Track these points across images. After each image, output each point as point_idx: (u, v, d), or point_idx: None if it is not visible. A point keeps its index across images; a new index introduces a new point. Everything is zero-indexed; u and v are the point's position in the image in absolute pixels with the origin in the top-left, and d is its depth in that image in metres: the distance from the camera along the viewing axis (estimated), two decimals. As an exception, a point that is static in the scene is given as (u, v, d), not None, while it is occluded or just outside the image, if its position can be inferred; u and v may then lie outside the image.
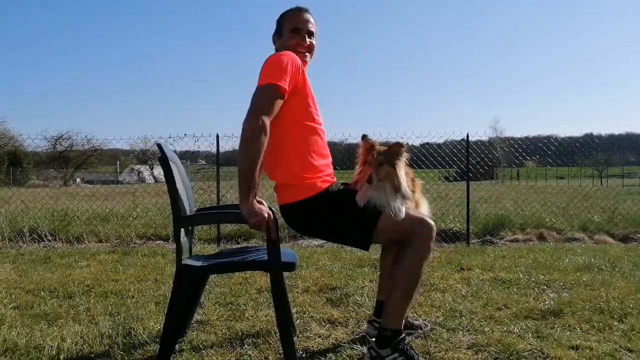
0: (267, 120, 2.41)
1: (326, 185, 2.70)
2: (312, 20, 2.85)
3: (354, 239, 2.72)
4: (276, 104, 2.48)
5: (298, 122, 2.66)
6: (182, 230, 2.77)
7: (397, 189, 2.62)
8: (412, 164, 2.86)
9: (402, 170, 2.67)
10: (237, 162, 2.43)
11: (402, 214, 2.59)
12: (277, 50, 2.83)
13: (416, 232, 2.62)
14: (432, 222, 2.67)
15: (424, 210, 2.91)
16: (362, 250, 2.80)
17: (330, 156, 2.85)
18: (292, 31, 2.79)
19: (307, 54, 2.82)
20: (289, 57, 2.59)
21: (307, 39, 2.81)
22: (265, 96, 2.47)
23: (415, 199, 2.80)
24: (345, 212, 2.65)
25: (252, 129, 2.37)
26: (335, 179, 2.81)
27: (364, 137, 2.76)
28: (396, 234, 2.65)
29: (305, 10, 2.85)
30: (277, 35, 2.87)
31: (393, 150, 2.67)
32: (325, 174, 2.74)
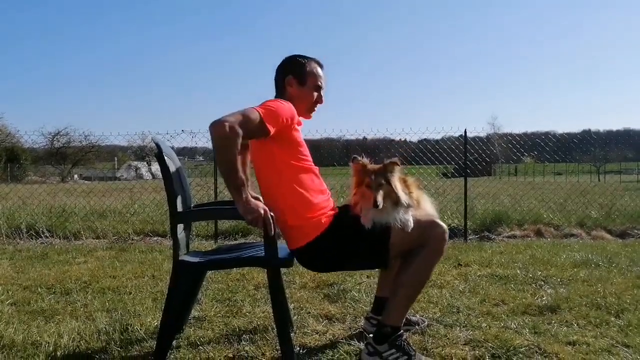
0: (235, 125, 2.34)
1: (330, 220, 2.71)
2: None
3: (371, 261, 2.78)
4: (251, 127, 2.42)
5: (290, 164, 2.67)
6: (180, 226, 2.77)
7: (396, 202, 2.65)
8: (410, 160, 2.87)
9: (397, 183, 2.69)
10: (218, 167, 2.45)
11: (411, 223, 2.63)
12: (287, 94, 2.82)
13: (429, 234, 2.67)
14: (444, 225, 2.70)
15: (427, 206, 2.91)
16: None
17: (328, 192, 2.86)
18: (315, 88, 2.84)
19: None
20: (292, 112, 2.63)
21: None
22: (248, 116, 2.42)
23: (415, 198, 2.80)
24: (355, 239, 2.68)
25: (218, 135, 2.34)
26: (336, 210, 2.82)
27: (354, 159, 2.74)
28: (410, 243, 2.68)
29: (323, 66, 2.92)
30: (298, 81, 2.82)
31: (388, 169, 2.68)
32: (328, 209, 2.75)
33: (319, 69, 2.87)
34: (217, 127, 2.33)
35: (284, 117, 2.54)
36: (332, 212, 2.75)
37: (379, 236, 2.64)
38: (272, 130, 2.49)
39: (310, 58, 2.87)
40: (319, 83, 2.85)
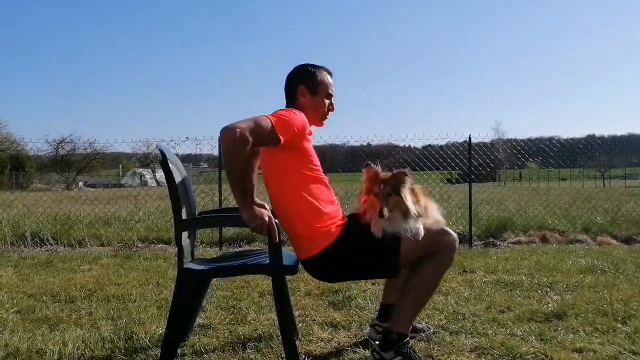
0: (246, 132, 2.34)
1: (340, 229, 2.70)
2: None
3: (382, 271, 2.78)
4: (262, 135, 2.43)
5: (301, 174, 2.67)
6: (184, 233, 2.76)
7: (406, 212, 2.64)
8: (415, 166, 2.88)
9: (407, 194, 2.67)
10: (226, 175, 2.45)
11: (421, 232, 2.63)
12: (299, 103, 2.83)
13: (439, 242, 2.67)
14: (453, 233, 2.71)
15: (435, 213, 2.88)
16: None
17: (338, 202, 2.86)
18: (327, 96, 2.87)
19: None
20: (304, 122, 2.64)
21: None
22: (259, 122, 2.43)
23: (423, 205, 2.77)
24: (366, 249, 2.67)
25: (228, 141, 2.34)
26: (345, 219, 2.82)
27: (367, 165, 2.73)
28: (420, 251, 2.67)
29: (332, 75, 2.94)
30: (310, 90, 2.83)
31: (398, 178, 2.66)
32: (338, 219, 2.75)
33: (329, 77, 2.89)
34: (227, 133, 2.34)
35: (296, 127, 2.55)
36: (341, 222, 2.75)
37: (389, 246, 2.62)
38: (283, 139, 2.49)
39: (319, 66, 2.88)
40: (330, 91, 2.88)
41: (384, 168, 2.73)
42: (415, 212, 2.65)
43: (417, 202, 2.73)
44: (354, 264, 2.71)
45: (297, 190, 2.66)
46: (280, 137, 2.48)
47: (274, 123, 2.45)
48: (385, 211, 2.57)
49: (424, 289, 2.69)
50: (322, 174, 2.78)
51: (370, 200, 2.68)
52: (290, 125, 2.53)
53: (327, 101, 2.87)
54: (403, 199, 2.63)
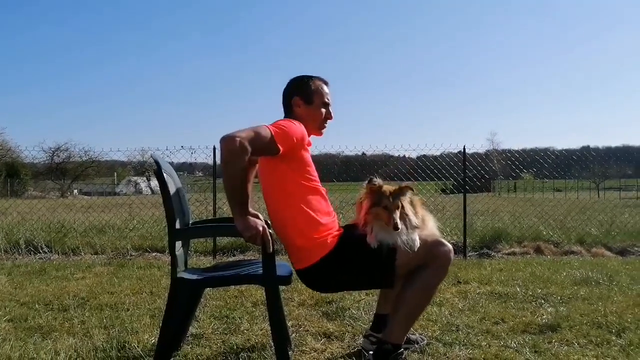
0: (245, 141, 2.36)
1: (336, 240, 2.71)
2: None
3: (377, 282, 2.77)
4: (261, 145, 2.45)
5: (300, 184, 2.68)
6: (178, 243, 2.76)
7: (406, 225, 2.67)
8: (409, 176, 2.90)
9: (408, 205, 2.73)
10: (223, 183, 2.45)
11: (417, 243, 2.65)
12: (295, 112, 2.85)
13: (435, 254, 2.69)
14: (449, 245, 2.73)
15: (431, 225, 2.92)
16: None
17: (334, 213, 2.88)
18: (323, 105, 2.88)
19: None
20: (303, 132, 2.66)
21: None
22: (258, 132, 2.44)
23: (421, 217, 2.82)
24: (362, 259, 2.68)
25: (228, 150, 2.35)
26: (341, 230, 2.83)
27: (371, 180, 2.77)
28: (416, 262, 2.69)
29: (327, 83, 2.95)
30: (305, 101, 2.85)
31: (403, 192, 2.72)
32: (334, 230, 2.76)
33: (324, 87, 2.90)
34: (227, 142, 2.35)
35: (295, 137, 2.57)
36: (337, 233, 2.76)
37: (385, 257, 2.64)
38: (282, 149, 2.50)
39: (314, 76, 2.90)
40: (326, 100, 2.89)
41: (384, 179, 2.78)
42: (415, 224, 2.69)
43: (415, 213, 2.76)
44: (349, 275, 2.71)
45: (295, 201, 2.66)
46: (280, 147, 2.49)
47: (273, 133, 2.47)
48: (399, 223, 2.61)
49: (419, 299, 2.69)
50: (320, 185, 2.79)
51: (375, 212, 2.69)
52: (289, 135, 2.54)
53: (323, 110, 2.87)
54: (405, 211, 2.69)
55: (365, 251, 2.65)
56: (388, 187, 2.72)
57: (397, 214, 2.64)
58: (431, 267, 2.66)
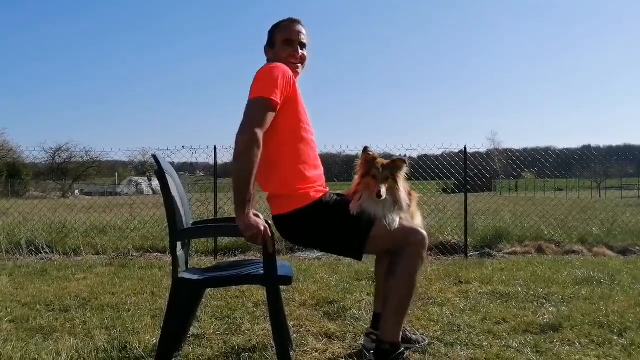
0: (260, 133, 2.43)
1: (319, 195, 2.71)
2: (304, 31, 2.86)
3: (347, 247, 2.73)
4: (268, 116, 2.50)
5: (289, 134, 2.68)
6: (179, 243, 2.76)
7: (396, 201, 2.69)
8: (411, 176, 2.90)
9: (403, 184, 2.73)
10: (232, 176, 2.45)
11: (396, 224, 2.64)
12: (269, 61, 2.82)
13: (409, 241, 2.66)
14: (424, 232, 2.72)
15: (418, 222, 2.94)
16: (358, 263, 2.81)
17: (322, 167, 2.87)
18: (284, 42, 2.80)
19: (299, 65, 2.83)
20: (280, 69, 2.60)
21: (300, 51, 2.82)
22: (257, 109, 2.48)
23: (411, 212, 2.84)
24: (338, 221, 2.67)
25: (244, 142, 2.39)
26: (328, 189, 2.83)
27: (366, 149, 2.77)
28: (388, 243, 2.68)
29: (297, 22, 2.86)
30: (269, 46, 2.88)
31: (396, 164, 2.73)
32: (318, 184, 2.76)
33: (290, 25, 2.83)
34: (245, 135, 2.39)
35: (279, 82, 2.54)
36: (322, 189, 2.76)
37: (361, 226, 2.64)
38: (279, 102, 2.53)
39: (281, 20, 2.88)
40: (289, 37, 2.80)
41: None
42: (404, 202, 2.71)
43: (408, 205, 2.78)
44: (321, 233, 2.71)
45: (284, 148, 2.67)
46: (275, 100, 2.51)
47: (265, 96, 2.49)
48: (383, 192, 2.61)
49: (403, 289, 2.65)
50: (312, 135, 2.78)
51: (366, 182, 2.71)
52: (272, 82, 2.53)
53: (287, 48, 2.79)
54: (398, 186, 2.70)
55: (344, 215, 2.66)
56: (381, 160, 2.74)
57: (385, 184, 2.65)
58: (406, 253, 2.64)
